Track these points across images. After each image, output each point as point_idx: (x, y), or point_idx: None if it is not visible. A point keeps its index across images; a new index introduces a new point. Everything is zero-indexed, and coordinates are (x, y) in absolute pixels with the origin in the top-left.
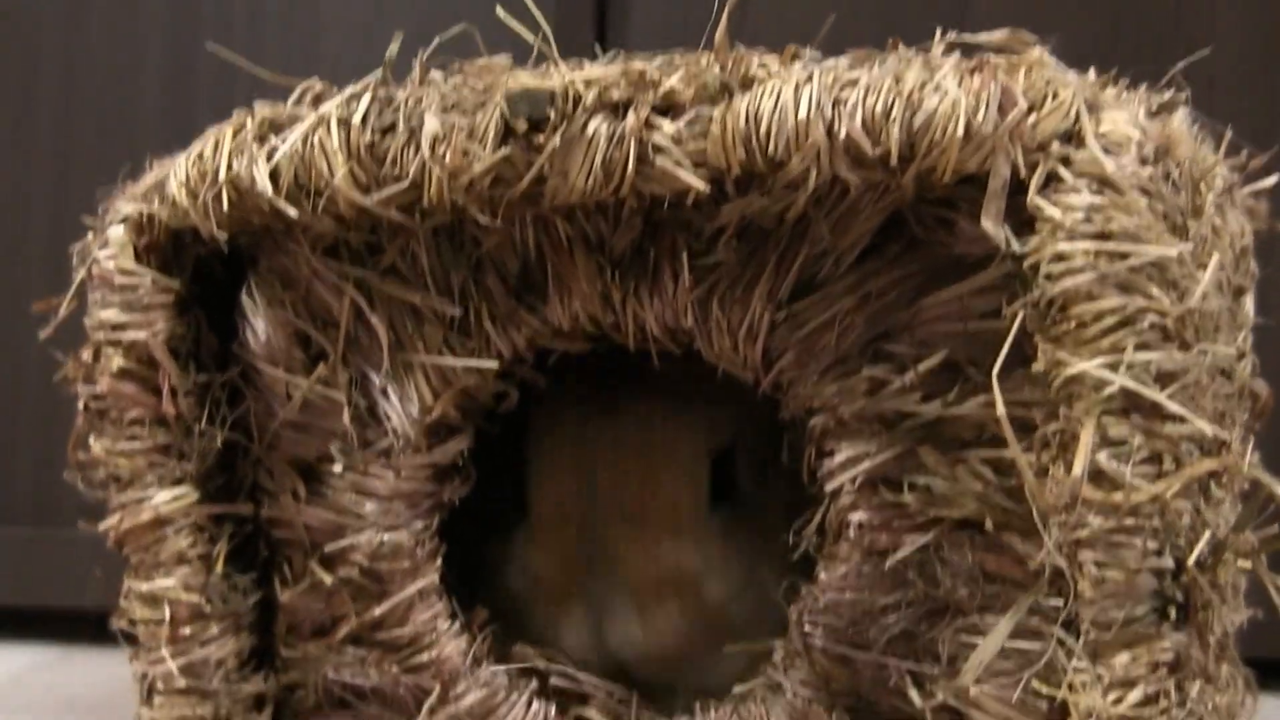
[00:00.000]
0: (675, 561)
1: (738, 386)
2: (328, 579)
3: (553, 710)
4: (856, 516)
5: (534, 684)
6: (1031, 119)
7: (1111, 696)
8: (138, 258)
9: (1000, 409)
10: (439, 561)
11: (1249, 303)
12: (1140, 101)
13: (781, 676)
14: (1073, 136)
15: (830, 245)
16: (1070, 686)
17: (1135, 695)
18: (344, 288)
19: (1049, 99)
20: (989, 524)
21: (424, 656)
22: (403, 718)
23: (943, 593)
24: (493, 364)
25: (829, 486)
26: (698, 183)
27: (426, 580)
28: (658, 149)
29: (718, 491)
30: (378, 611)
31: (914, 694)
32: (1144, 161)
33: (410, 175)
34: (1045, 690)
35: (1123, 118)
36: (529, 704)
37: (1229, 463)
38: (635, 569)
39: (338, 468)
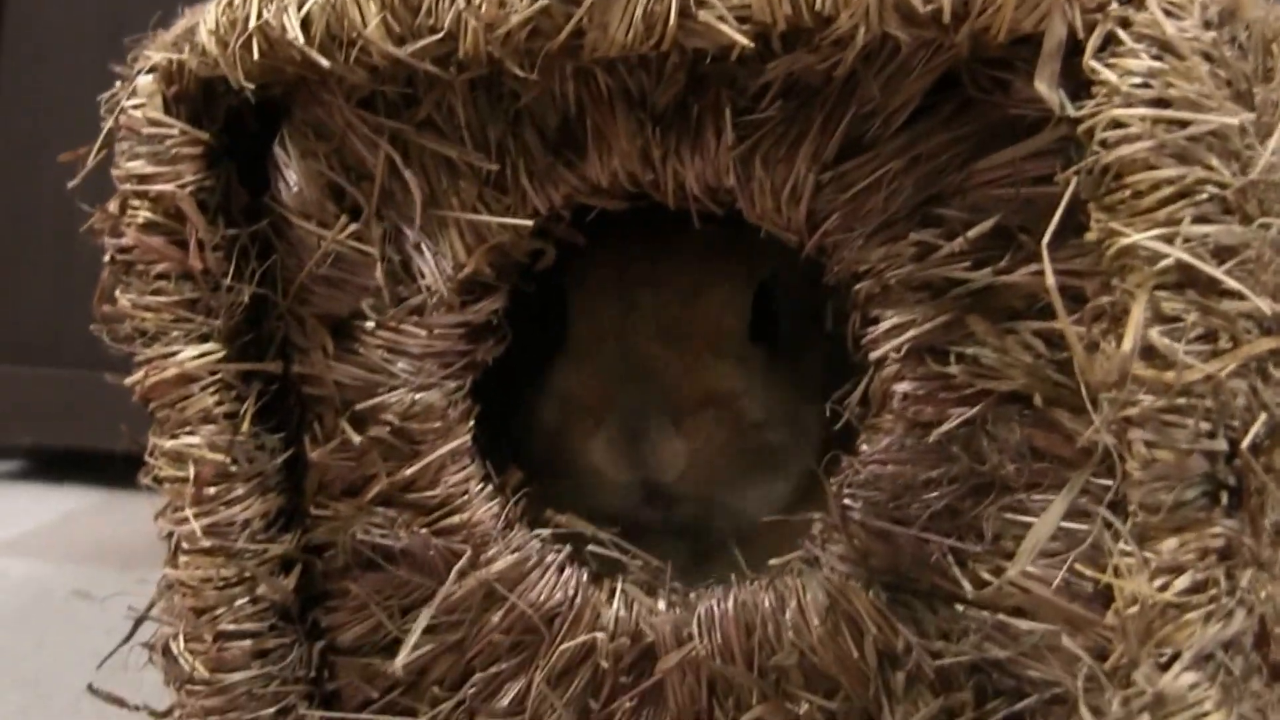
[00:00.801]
0: (715, 378)
1: None
2: (356, 438)
3: (585, 576)
4: (901, 387)
5: (567, 549)
6: None
7: (1158, 582)
8: (166, 108)
9: (1050, 279)
10: (471, 423)
11: None
12: None
13: (819, 550)
14: None
15: (880, 104)
16: (1116, 571)
17: (1183, 582)
18: (379, 140)
19: None
20: (1038, 399)
21: (455, 519)
22: (432, 580)
23: (988, 469)
24: (528, 223)
25: (873, 355)
26: (742, 38)
27: (458, 441)
28: (701, 2)
29: (758, 327)
30: (408, 472)
31: (957, 572)
32: (1207, 25)
33: (445, 26)
34: (1090, 573)
35: None
36: (561, 570)
37: None
38: (674, 384)
39: (370, 324)
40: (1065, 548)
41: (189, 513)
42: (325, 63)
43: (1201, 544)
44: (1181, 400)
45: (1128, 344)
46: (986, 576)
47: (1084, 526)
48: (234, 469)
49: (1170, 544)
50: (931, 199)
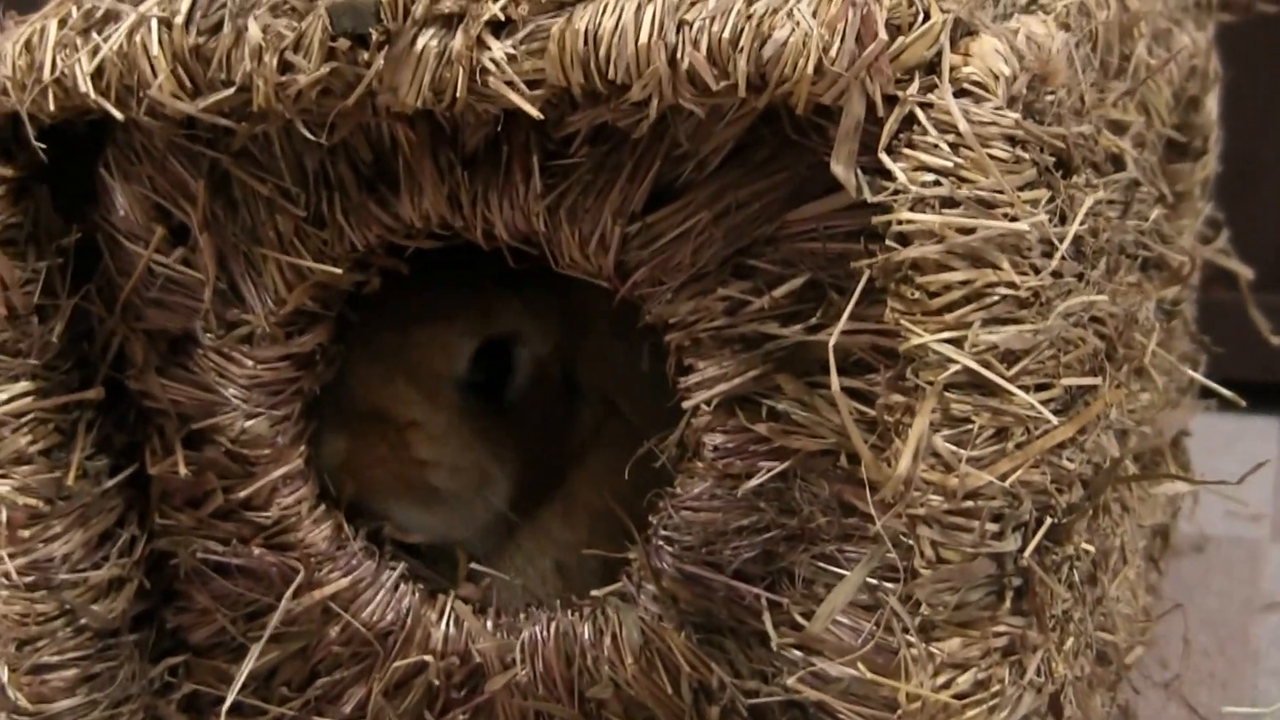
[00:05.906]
0: (390, 399)
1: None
2: (187, 462)
3: (416, 596)
4: (712, 439)
5: (401, 568)
6: (896, 46)
7: (942, 679)
8: None
9: (835, 385)
10: (303, 446)
11: (1211, 108)
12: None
13: (633, 588)
14: (936, 69)
15: (690, 150)
16: (905, 664)
17: (966, 679)
18: (200, 166)
19: (919, 21)
20: (844, 458)
21: (289, 538)
22: (270, 594)
23: (799, 521)
24: (337, 271)
25: (686, 404)
26: (530, 107)
27: (290, 466)
28: (488, 70)
29: (489, 379)
30: (243, 493)
31: (768, 617)
32: (1013, 101)
33: (237, 81)
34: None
35: (993, 48)
36: (395, 588)
37: (1069, 433)
38: (360, 393)
39: (201, 348)
40: (874, 602)
41: (3, 553)
42: (119, 114)
43: (986, 643)
44: (968, 503)
45: (907, 456)
46: (800, 620)
47: (893, 585)
48: (48, 509)
49: (954, 643)
50: (742, 250)
